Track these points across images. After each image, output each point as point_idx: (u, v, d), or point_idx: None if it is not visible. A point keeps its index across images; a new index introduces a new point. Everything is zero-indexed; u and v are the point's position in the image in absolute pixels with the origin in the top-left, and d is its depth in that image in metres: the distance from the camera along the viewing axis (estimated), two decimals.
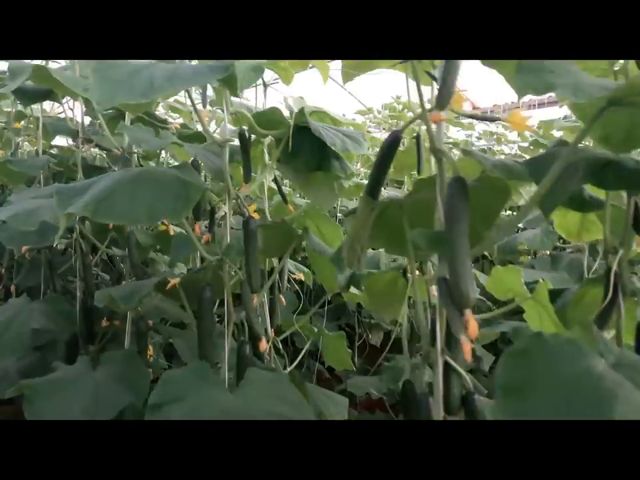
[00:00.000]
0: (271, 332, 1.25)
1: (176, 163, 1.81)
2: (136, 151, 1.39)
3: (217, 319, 1.18)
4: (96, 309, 1.50)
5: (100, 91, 0.69)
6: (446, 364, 0.63)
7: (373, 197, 0.67)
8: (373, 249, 1.52)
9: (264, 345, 0.94)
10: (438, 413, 0.62)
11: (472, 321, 0.53)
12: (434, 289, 0.81)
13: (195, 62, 0.86)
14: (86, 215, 0.74)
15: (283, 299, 1.33)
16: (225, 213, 0.99)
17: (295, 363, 1.24)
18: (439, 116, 0.58)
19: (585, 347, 0.46)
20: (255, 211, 1.05)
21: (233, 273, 1.00)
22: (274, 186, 1.46)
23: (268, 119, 1.11)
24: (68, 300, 1.62)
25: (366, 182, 0.71)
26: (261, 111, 1.12)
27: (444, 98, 0.58)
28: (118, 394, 1.00)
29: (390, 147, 0.67)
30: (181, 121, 2.23)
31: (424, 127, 0.63)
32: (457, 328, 0.54)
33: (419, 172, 0.95)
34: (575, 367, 0.44)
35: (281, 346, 1.29)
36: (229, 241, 0.99)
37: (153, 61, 0.77)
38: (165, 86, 0.67)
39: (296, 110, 1.06)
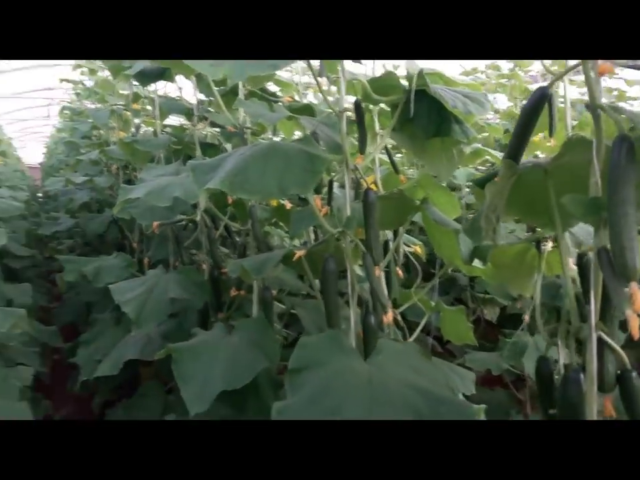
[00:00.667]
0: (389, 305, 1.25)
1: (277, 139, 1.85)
2: (249, 126, 1.42)
3: None
4: (222, 279, 1.60)
5: (231, 65, 0.72)
6: (599, 340, 0.59)
7: (515, 161, 0.63)
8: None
9: (389, 317, 0.94)
10: (591, 391, 0.59)
11: (638, 293, 0.49)
12: (571, 262, 0.76)
13: None
14: (224, 190, 0.78)
15: (400, 272, 1.32)
16: (345, 185, 0.99)
17: (414, 335, 1.23)
18: (609, 67, 0.52)
19: None
20: (372, 183, 1.04)
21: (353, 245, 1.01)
22: (383, 157, 1.44)
23: (382, 84, 1.09)
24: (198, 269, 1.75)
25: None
26: (375, 77, 1.10)
27: None
28: (253, 358, 1.06)
29: (537, 104, 0.62)
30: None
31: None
32: (621, 301, 0.50)
33: (550, 134, 0.88)
34: None
35: (400, 318, 1.29)
36: (349, 213, 0.99)
37: None
38: None
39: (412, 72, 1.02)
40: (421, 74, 1.00)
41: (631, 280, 0.49)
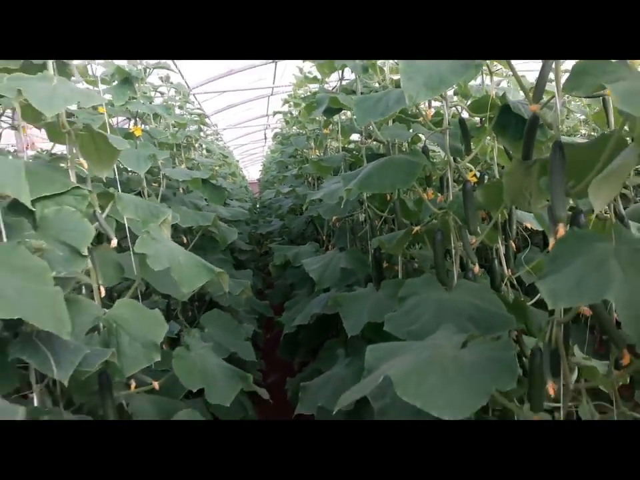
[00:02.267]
0: (507, 271, 1.62)
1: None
2: (394, 141, 1.90)
3: None
4: (381, 258, 2.11)
5: (361, 113, 1.23)
6: None
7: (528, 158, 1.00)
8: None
9: (476, 269, 1.34)
10: None
11: (561, 229, 0.85)
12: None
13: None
14: (354, 190, 1.29)
15: (514, 245, 1.66)
16: (448, 179, 1.42)
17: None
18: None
19: None
20: (473, 175, 1.44)
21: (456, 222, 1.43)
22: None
23: (482, 103, 1.48)
24: (364, 252, 2.29)
25: None
26: (476, 99, 1.50)
27: None
28: (389, 305, 1.55)
29: (532, 123, 0.99)
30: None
31: None
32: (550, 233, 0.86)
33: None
34: None
35: (515, 282, 1.64)
36: (451, 198, 1.41)
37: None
38: (440, 85, 1.12)
39: (499, 93, 1.40)
40: (504, 95, 1.37)
41: (558, 222, 0.85)
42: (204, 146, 4.25)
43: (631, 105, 0.58)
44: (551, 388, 0.84)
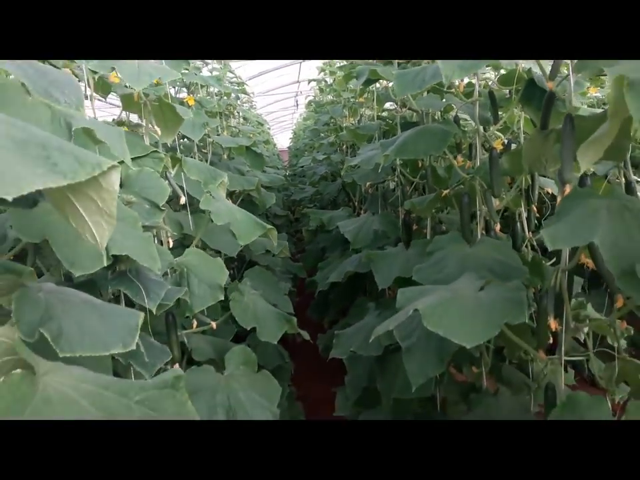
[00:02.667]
0: (528, 233, 1.77)
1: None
2: (427, 110, 2.04)
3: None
4: (411, 221, 2.28)
5: (400, 85, 1.38)
6: None
7: (545, 128, 1.15)
8: None
9: (497, 227, 1.50)
10: None
11: (567, 189, 1.01)
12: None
13: None
14: (391, 156, 1.46)
15: (535, 208, 1.81)
16: (476, 147, 1.57)
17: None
18: None
19: None
20: (500, 143, 1.59)
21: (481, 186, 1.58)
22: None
23: (510, 76, 1.61)
24: (396, 217, 2.46)
25: None
26: (505, 73, 1.63)
27: None
28: (417, 261, 1.73)
29: (549, 99, 1.13)
30: None
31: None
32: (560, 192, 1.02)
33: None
34: None
35: (535, 244, 1.80)
36: (478, 164, 1.57)
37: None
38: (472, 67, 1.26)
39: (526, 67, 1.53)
40: (529, 70, 1.50)
41: (566, 183, 1.01)
42: (241, 114, 4.42)
43: (616, 81, 0.74)
44: (552, 324, 1.02)
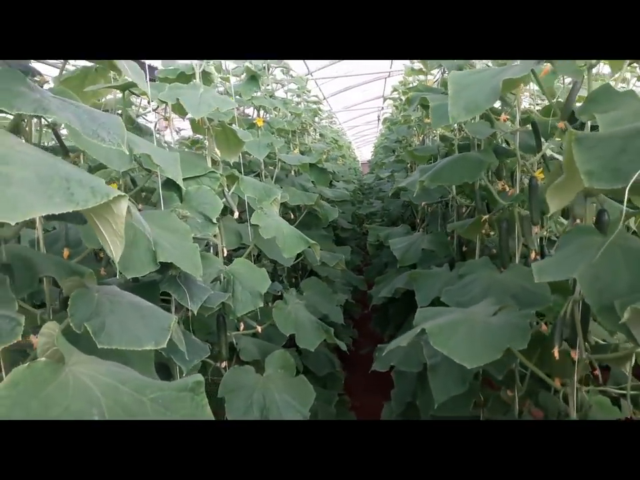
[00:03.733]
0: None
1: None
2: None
3: None
4: (461, 242, 2.32)
5: (436, 118, 1.46)
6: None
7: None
8: None
9: (533, 255, 1.52)
10: None
11: None
12: None
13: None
14: (426, 182, 1.54)
15: None
16: (516, 174, 1.60)
17: None
18: None
19: None
20: (538, 173, 1.61)
21: (521, 212, 1.61)
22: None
23: (549, 109, 1.63)
24: (450, 236, 2.50)
25: None
26: (547, 105, 1.65)
27: None
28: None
29: None
30: None
31: None
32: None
33: None
34: None
35: None
36: (517, 192, 1.60)
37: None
38: (476, 109, 1.35)
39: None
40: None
41: (576, 218, 1.04)
42: (317, 131, 4.62)
43: (568, 135, 0.78)
44: (556, 351, 1.05)
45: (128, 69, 1.16)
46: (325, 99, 11.06)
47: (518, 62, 1.16)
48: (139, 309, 0.92)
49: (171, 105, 1.76)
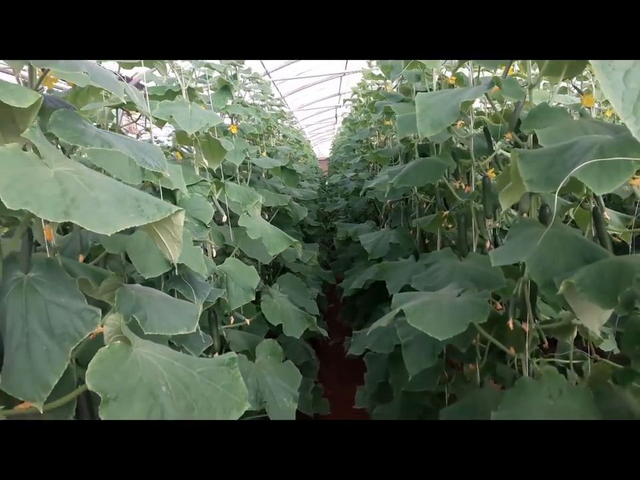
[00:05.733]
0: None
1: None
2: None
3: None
4: (424, 235, 2.55)
5: (401, 128, 1.67)
6: None
7: None
8: None
9: (487, 245, 1.76)
10: None
11: None
12: None
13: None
14: (395, 184, 1.74)
15: None
16: (472, 174, 1.84)
17: None
18: None
19: None
20: (490, 172, 1.85)
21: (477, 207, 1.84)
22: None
23: (498, 117, 1.87)
24: (413, 231, 2.74)
25: None
26: (495, 112, 1.88)
27: None
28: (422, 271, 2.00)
29: None
30: None
31: None
32: None
33: None
34: None
35: None
36: (473, 189, 1.83)
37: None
38: (439, 126, 1.57)
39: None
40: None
41: (522, 213, 1.27)
42: (281, 132, 4.78)
43: (546, 142, 1.01)
44: (510, 323, 1.28)
45: (133, 92, 1.31)
46: (282, 98, 11.21)
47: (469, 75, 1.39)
48: (169, 302, 1.08)
49: (152, 118, 1.90)
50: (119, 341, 0.78)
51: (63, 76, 1.05)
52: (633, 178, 0.84)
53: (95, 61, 1.00)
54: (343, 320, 4.08)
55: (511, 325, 1.30)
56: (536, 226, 1.15)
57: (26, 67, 0.92)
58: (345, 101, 5.23)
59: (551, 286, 1.03)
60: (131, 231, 1.05)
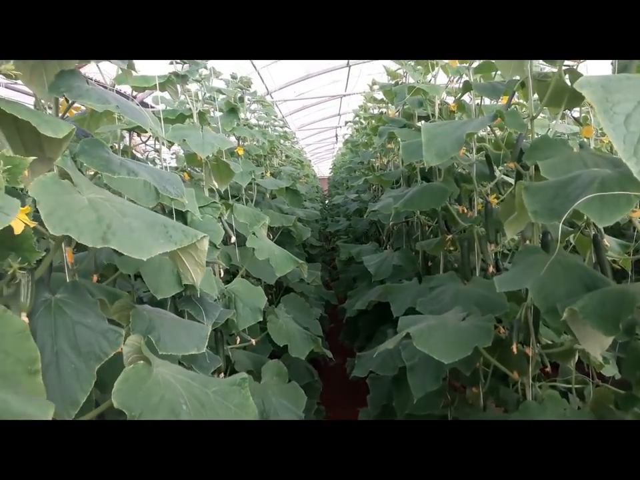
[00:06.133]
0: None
1: None
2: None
3: None
4: (427, 258, 2.59)
5: (406, 154, 1.72)
6: None
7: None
8: None
9: (490, 269, 1.80)
10: None
11: None
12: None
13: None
14: (399, 208, 1.79)
15: None
16: (475, 200, 1.88)
17: None
18: None
19: None
20: (493, 198, 1.89)
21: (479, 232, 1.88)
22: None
23: (499, 144, 1.92)
24: (416, 253, 2.78)
25: None
26: (495, 139, 1.94)
27: None
28: (426, 294, 2.03)
29: None
30: None
31: None
32: None
33: None
34: None
35: None
36: (475, 214, 1.88)
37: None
38: (445, 156, 1.63)
39: None
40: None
41: (526, 239, 1.31)
42: (283, 153, 4.85)
43: (548, 173, 1.05)
44: (514, 347, 1.31)
45: (148, 117, 1.36)
46: (283, 117, 11.36)
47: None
48: (180, 323, 1.11)
49: (167, 142, 1.96)
50: (141, 361, 0.81)
51: (94, 107, 1.10)
52: (633, 211, 0.89)
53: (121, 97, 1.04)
54: (344, 340, 4.09)
55: (514, 349, 1.33)
56: (539, 253, 1.19)
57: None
58: (346, 122, 5.33)
59: (553, 312, 1.07)
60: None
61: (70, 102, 1.00)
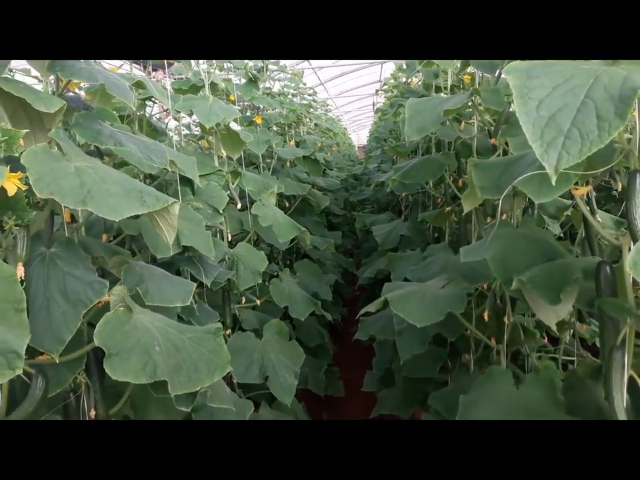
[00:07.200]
0: None
1: None
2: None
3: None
4: (435, 229, 2.64)
5: (408, 129, 1.77)
6: None
7: None
8: None
9: None
10: None
11: None
12: None
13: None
14: (397, 179, 1.85)
15: None
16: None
17: None
18: None
19: None
20: None
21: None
22: None
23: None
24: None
25: None
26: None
27: None
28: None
29: None
30: None
31: None
32: None
33: None
34: None
35: None
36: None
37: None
38: (424, 131, 1.68)
39: None
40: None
41: (503, 213, 1.36)
42: (312, 121, 4.90)
43: (515, 149, 1.10)
44: (486, 315, 1.38)
45: (153, 88, 1.47)
46: (322, 84, 11.28)
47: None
48: (168, 278, 1.24)
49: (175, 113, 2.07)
50: (122, 308, 0.94)
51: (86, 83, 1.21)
52: (575, 189, 0.93)
53: (110, 70, 1.15)
54: (362, 308, 4.20)
55: (486, 317, 1.40)
56: (508, 226, 1.25)
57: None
58: (376, 90, 5.30)
59: (510, 282, 1.13)
60: (136, 216, 1.20)
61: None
